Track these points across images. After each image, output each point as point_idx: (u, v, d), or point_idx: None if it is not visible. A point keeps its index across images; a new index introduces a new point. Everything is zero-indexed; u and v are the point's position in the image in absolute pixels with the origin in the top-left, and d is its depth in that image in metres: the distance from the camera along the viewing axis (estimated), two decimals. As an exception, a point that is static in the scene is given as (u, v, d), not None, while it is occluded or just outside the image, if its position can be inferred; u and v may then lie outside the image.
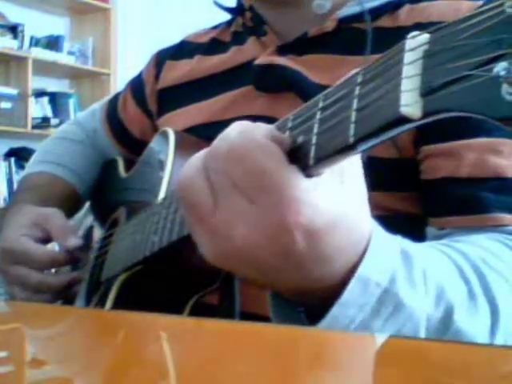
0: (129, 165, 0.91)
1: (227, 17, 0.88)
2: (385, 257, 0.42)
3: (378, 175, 0.63)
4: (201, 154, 0.42)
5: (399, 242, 0.45)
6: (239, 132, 0.39)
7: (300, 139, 0.37)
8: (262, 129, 0.39)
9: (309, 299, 0.43)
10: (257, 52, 0.76)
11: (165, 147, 0.73)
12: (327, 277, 0.41)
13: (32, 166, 0.98)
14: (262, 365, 0.34)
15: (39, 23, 3.73)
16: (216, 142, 0.40)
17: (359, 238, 0.41)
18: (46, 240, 0.81)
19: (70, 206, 0.94)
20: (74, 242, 0.77)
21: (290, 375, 0.32)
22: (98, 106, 1.06)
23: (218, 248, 0.41)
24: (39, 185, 0.92)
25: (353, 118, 0.32)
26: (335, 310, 0.41)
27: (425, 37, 0.30)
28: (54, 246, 0.85)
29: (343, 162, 0.39)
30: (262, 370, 0.33)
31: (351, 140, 0.32)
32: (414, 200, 0.65)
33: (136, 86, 0.96)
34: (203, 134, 0.74)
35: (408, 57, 0.30)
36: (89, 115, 1.06)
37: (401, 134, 0.62)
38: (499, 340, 0.48)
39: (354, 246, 0.41)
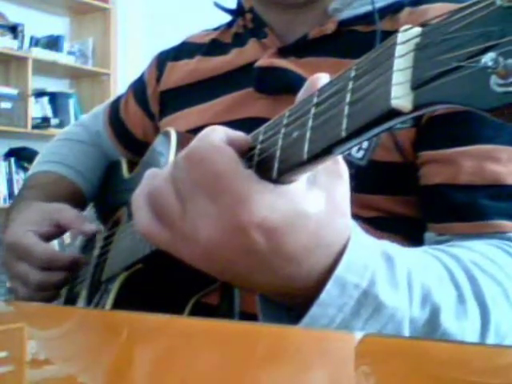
0: (132, 166, 0.92)
1: (229, 18, 0.87)
2: (364, 259, 0.42)
3: (380, 179, 0.64)
4: (168, 164, 0.44)
5: (381, 245, 0.45)
6: (197, 138, 0.41)
7: (295, 134, 0.37)
8: (217, 132, 0.41)
9: (291, 300, 0.44)
10: (257, 54, 0.76)
11: (167, 147, 0.72)
12: (299, 277, 0.41)
13: (37, 166, 0.98)
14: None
15: (39, 23, 3.73)
16: (181, 151, 0.42)
17: (333, 240, 0.41)
18: (56, 234, 0.80)
19: (75, 206, 0.93)
20: (91, 227, 0.77)
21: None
22: (101, 108, 1.06)
23: (190, 251, 0.42)
24: (45, 183, 0.92)
25: (346, 111, 0.32)
26: (314, 310, 0.41)
27: (416, 30, 0.30)
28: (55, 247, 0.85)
29: (320, 168, 0.40)
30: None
31: (343, 134, 0.32)
32: (417, 204, 0.65)
33: (138, 87, 0.96)
34: None
35: (400, 50, 0.30)
36: (92, 118, 1.06)
37: (402, 139, 0.63)
38: (490, 343, 0.48)
39: (325, 248, 0.41)
